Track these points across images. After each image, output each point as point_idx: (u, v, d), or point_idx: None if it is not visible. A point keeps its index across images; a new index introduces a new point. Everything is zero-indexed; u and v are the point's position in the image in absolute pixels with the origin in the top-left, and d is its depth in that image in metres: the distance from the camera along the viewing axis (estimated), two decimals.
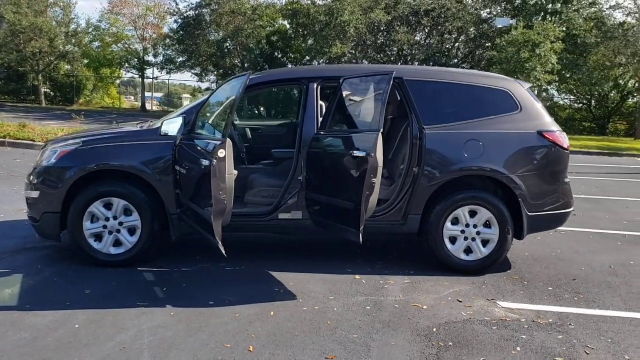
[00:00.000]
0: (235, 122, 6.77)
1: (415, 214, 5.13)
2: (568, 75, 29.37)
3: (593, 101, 33.00)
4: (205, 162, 4.16)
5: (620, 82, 31.15)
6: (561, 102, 33.69)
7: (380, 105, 4.42)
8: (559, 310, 4.34)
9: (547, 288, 4.85)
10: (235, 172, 4.46)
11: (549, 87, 30.43)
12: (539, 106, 5.35)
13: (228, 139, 4.16)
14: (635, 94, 30.68)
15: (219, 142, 4.10)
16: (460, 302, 4.46)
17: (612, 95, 32.44)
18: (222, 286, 4.60)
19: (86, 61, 36.40)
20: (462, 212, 5.10)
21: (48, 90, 35.15)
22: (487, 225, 5.13)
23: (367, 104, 4.92)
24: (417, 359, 3.47)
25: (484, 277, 5.06)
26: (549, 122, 5.27)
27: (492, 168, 5.07)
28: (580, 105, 33.77)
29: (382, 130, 4.28)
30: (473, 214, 5.12)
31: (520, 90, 5.35)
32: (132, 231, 4.99)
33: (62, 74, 35.74)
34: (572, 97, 33.78)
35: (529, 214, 5.12)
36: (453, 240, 5.16)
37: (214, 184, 4.02)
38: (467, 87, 5.30)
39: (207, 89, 32.47)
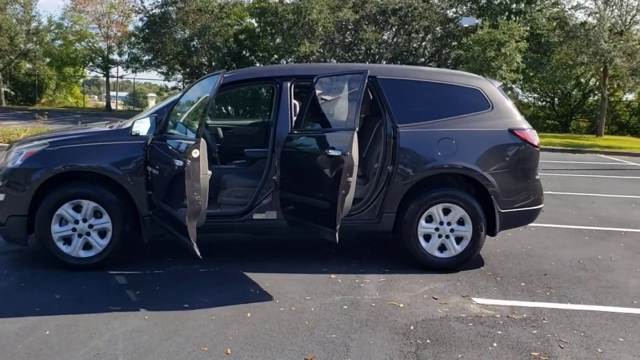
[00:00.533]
0: (207, 122, 6.69)
1: (389, 212, 5.15)
2: (532, 74, 29.96)
3: (556, 99, 33.75)
4: (178, 163, 4.09)
5: (582, 80, 31.94)
6: (525, 100, 34.34)
7: (355, 104, 4.41)
8: (532, 305, 4.41)
9: (519, 283, 4.92)
10: (209, 173, 4.40)
11: (513, 86, 31.00)
12: (509, 104, 5.42)
13: (202, 140, 4.10)
14: (596, 92, 31.48)
15: (192, 142, 4.03)
16: (436, 299, 4.49)
17: (574, 93, 33.24)
18: (196, 288, 4.53)
19: (48, 60, 35.57)
20: (436, 210, 5.14)
21: (8, 90, 34.23)
22: (461, 222, 5.18)
23: (341, 102, 4.91)
24: (396, 357, 3.47)
25: (458, 274, 5.11)
26: (519, 120, 5.35)
27: (464, 166, 5.11)
28: (544, 103, 34.51)
29: (357, 129, 4.27)
30: (447, 211, 5.17)
31: (491, 88, 5.41)
32: (102, 234, 4.88)
33: (23, 72, 34.87)
34: (535, 95, 34.49)
35: (501, 210, 5.18)
36: (427, 237, 5.19)
37: (188, 184, 3.95)
38: (440, 85, 5.33)
39: (174, 88, 32.11)
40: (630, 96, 33.03)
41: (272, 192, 5.05)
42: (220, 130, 6.60)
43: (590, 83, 32.29)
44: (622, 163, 16.41)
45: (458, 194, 5.13)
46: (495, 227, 5.22)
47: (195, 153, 3.99)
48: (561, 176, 12.55)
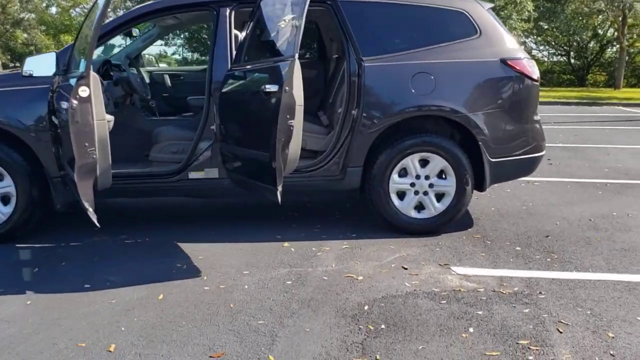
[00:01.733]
0: (150, 68, 5.78)
1: (354, 165, 4.23)
2: (545, 26, 28.42)
3: (572, 52, 32.16)
4: (65, 105, 3.20)
5: (599, 31, 30.28)
6: (539, 55, 32.79)
7: (296, 29, 3.46)
8: (527, 275, 3.50)
9: (514, 248, 4.00)
10: (111, 118, 3.50)
11: (526, 40, 29.49)
12: (501, 29, 4.42)
13: (94, 74, 3.19)
14: (614, 43, 29.85)
15: (79, 78, 3.13)
16: (406, 269, 3.61)
17: (591, 45, 31.61)
18: (112, 263, 3.69)
19: (43, 28, 34.61)
20: (411, 162, 4.21)
21: (6, 62, 33.42)
22: (442, 175, 4.26)
23: (286, 28, 3.94)
24: (335, 351, 2.60)
25: (439, 238, 4.21)
26: (514, 48, 4.35)
27: (445, 106, 4.15)
28: (559, 57, 32.93)
29: (296, 55, 3.32)
30: (424, 163, 4.24)
31: (480, 10, 4.40)
32: (5, 200, 4.04)
33: (21, 42, 33.97)
34: (550, 50, 32.90)
35: (492, 160, 4.23)
36: (401, 195, 4.28)
37: (73, 131, 3.08)
38: (415, 8, 4.33)
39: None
40: None
41: (212, 145, 4.15)
42: (167, 78, 5.68)
43: (608, 34, 30.61)
44: None
45: (437, 141, 4.19)
46: (485, 180, 4.28)
47: (83, 91, 3.09)
48: (574, 128, 11.47)
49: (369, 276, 3.48)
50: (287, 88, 3.26)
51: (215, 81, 4.09)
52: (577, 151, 8.30)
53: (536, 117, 4.42)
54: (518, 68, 4.25)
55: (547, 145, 4.61)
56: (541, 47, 32.31)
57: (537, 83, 4.38)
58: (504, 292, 3.25)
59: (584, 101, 18.56)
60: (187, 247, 4.00)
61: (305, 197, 5.26)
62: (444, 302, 3.12)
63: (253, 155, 3.68)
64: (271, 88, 3.38)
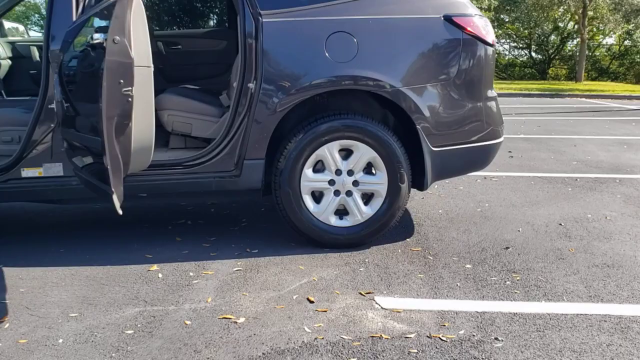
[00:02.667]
0: (13, 39, 4.60)
1: (254, 157, 3.15)
2: (507, 19, 27.88)
3: (533, 45, 31.72)
4: None
5: (560, 24, 29.88)
6: (500, 49, 32.26)
7: None
8: (479, 309, 2.48)
9: (463, 266, 2.98)
10: None
11: None
12: None
13: None
14: (575, 36, 29.50)
15: None
16: (312, 302, 2.55)
17: (552, 38, 31.21)
18: None
19: None
20: (329, 152, 3.15)
21: None
22: (370, 170, 3.22)
23: None
24: None
25: (366, 253, 3.16)
26: (462, 2, 3.31)
27: (371, 78, 3.10)
28: (520, 50, 32.50)
29: None
30: (347, 154, 3.20)
31: None
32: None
33: None
34: (511, 43, 32.42)
35: (434, 149, 3.21)
36: (317, 196, 3.25)
37: None
38: None
39: None
40: (610, 40, 31.14)
41: (53, 130, 3.01)
42: (35, 50, 4.48)
43: (569, 27, 30.25)
44: (606, 105, 14.53)
45: (362, 124, 3.14)
46: (426, 175, 3.24)
47: None
48: (537, 119, 10.61)
49: (255, 317, 2.40)
50: (116, 38, 2.16)
51: (53, 42, 2.95)
52: (541, 142, 7.39)
53: (491, 93, 3.41)
54: (468, 28, 3.23)
55: (507, 136, 3.62)
56: (502, 40, 31.75)
57: (493, 48, 3.36)
58: (445, 338, 2.22)
59: (546, 93, 17.88)
60: (12, 274, 2.85)
61: (210, 199, 4.16)
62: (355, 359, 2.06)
63: (89, 142, 2.56)
64: (98, 38, 2.26)
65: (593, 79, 28.37)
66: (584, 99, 16.66)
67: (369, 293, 2.65)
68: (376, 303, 2.55)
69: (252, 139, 3.11)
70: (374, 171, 3.22)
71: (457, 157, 3.31)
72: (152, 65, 2.47)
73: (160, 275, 2.85)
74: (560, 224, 3.72)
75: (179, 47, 4.57)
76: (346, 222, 3.24)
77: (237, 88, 3.12)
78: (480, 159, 3.45)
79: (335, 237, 3.21)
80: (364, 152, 3.16)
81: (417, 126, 3.16)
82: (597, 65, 30.31)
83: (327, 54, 3.07)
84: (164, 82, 4.42)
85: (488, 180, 4.99)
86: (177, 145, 3.50)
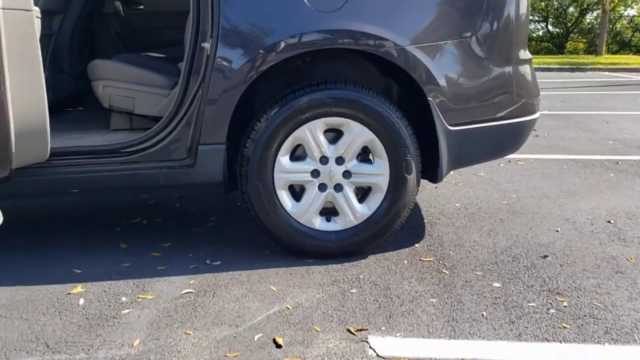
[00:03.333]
0: None
1: (211, 142, 2.39)
2: None
3: (550, 18, 30.47)
4: None
5: None
6: None
7: None
8: (517, 356, 1.72)
9: (489, 284, 2.22)
10: None
11: None
12: None
13: None
14: (595, 8, 28.21)
15: None
16: (279, 346, 1.80)
17: (571, 10, 29.94)
18: None
19: None
20: (311, 133, 2.39)
21: None
22: (366, 157, 2.46)
23: None
24: None
25: (361, 266, 2.41)
26: None
27: (367, 33, 2.31)
28: (536, 23, 31.23)
29: None
30: (335, 136, 2.43)
31: None
32: None
33: None
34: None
35: (451, 128, 2.43)
36: (297, 191, 2.48)
37: None
38: None
39: None
40: (632, 11, 29.79)
41: None
42: None
43: None
44: (633, 79, 13.55)
45: (356, 96, 2.37)
46: (440, 163, 2.46)
47: None
48: (560, 94, 9.73)
49: None
50: None
51: None
52: (569, 119, 6.55)
53: (524, 55, 2.62)
54: None
55: None
56: None
57: None
58: None
59: (566, 67, 16.88)
60: None
61: (178, 192, 3.43)
62: None
63: None
64: None
65: (613, 53, 27.18)
66: (607, 73, 15.66)
67: (360, 330, 1.90)
68: (370, 347, 1.80)
69: (209, 118, 2.35)
70: (371, 158, 2.46)
71: (481, 138, 2.54)
72: (34, 9, 1.72)
73: (81, 302, 2.12)
74: (609, 222, 2.94)
75: (141, 7, 3.80)
76: (335, 225, 2.48)
77: (189, 49, 2.35)
78: (509, 140, 2.67)
79: (321, 245, 2.46)
80: (357, 133, 2.39)
81: (430, 98, 2.38)
82: (618, 38, 29.08)
83: (306, 1, 2.29)
84: (124, 50, 3.67)
85: (513, 165, 4.20)
86: (120, 125, 2.75)
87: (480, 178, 3.85)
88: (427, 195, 3.45)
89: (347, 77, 2.50)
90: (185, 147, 2.39)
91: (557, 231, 2.82)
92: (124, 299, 2.15)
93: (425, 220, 3.00)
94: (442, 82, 2.40)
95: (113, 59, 2.78)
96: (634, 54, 26.80)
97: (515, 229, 2.85)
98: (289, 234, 2.45)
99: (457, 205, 3.28)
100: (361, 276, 2.32)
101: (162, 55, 3.33)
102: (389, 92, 2.62)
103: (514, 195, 3.45)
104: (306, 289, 2.21)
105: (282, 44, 2.30)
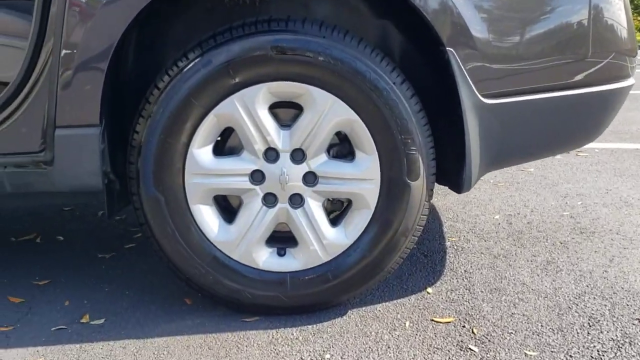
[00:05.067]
0: None
1: (75, 124, 1.40)
2: None
3: None
4: None
5: None
6: None
7: None
8: None
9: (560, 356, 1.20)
10: None
11: None
12: None
13: None
14: None
15: None
16: None
17: None
18: None
19: None
20: (245, 109, 1.40)
21: None
22: (341, 150, 1.46)
23: None
24: None
25: (331, 331, 1.43)
26: None
27: None
28: None
29: None
30: (292, 114, 1.44)
31: None
32: None
33: None
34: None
35: (486, 101, 1.40)
36: (228, 206, 1.51)
37: None
38: None
39: None
40: None
41: None
42: None
43: None
44: None
45: (322, 44, 1.37)
46: (466, 161, 1.43)
47: None
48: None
49: None
50: None
51: None
52: (638, 100, 5.38)
53: None
54: None
55: None
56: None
57: None
58: None
59: None
60: None
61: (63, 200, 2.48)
62: None
63: None
64: None
65: None
66: None
67: None
68: None
69: (67, 80, 1.38)
70: (350, 152, 1.45)
71: (537, 119, 1.50)
72: None
73: None
74: None
75: None
76: (291, 263, 1.50)
77: None
78: (585, 122, 1.63)
79: (268, 295, 1.48)
80: (327, 110, 1.40)
81: (449, 49, 1.36)
82: None
83: None
84: None
85: (572, 157, 3.14)
86: None
87: (529, 175, 2.81)
88: (451, 200, 2.43)
89: (315, 15, 1.51)
90: (38, 131, 1.43)
91: None
92: None
93: (447, 243, 1.99)
94: (471, 20, 1.38)
95: None
96: None
97: (586, 261, 1.82)
98: (213, 277, 1.48)
99: (497, 217, 2.25)
100: (327, 356, 1.33)
101: None
102: (384, 41, 1.61)
103: (579, 203, 2.39)
104: None
105: None
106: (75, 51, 1.35)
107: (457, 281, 1.71)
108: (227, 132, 1.48)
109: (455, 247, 1.97)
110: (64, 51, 1.35)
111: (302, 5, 1.57)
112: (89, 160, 1.42)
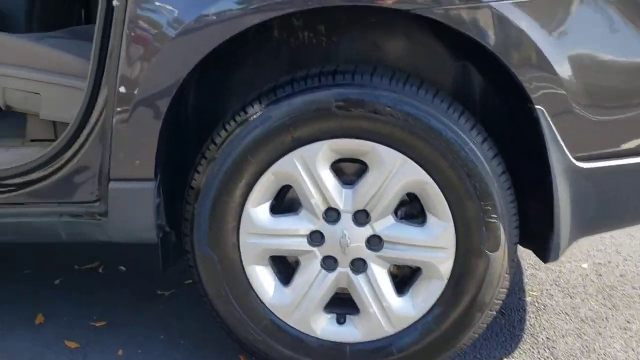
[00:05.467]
0: None
1: (129, 177, 1.34)
2: None
3: None
4: None
5: None
6: None
7: None
8: None
9: None
10: None
11: None
12: None
13: None
14: None
15: None
16: None
17: None
18: None
19: None
20: (305, 167, 1.29)
21: None
22: (411, 212, 1.31)
23: None
24: None
25: None
26: None
27: None
28: None
29: None
30: (355, 173, 1.30)
31: None
32: None
33: None
34: None
35: (580, 165, 1.21)
36: (285, 269, 1.38)
37: None
38: None
39: None
40: None
41: None
42: None
43: None
44: None
45: (390, 100, 1.22)
46: (555, 228, 1.25)
47: None
48: None
49: None
50: None
51: None
52: None
53: None
54: None
55: None
56: None
57: None
58: None
59: None
60: None
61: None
62: None
63: None
64: None
65: None
66: None
67: None
68: None
69: (122, 131, 1.31)
70: (423, 215, 1.31)
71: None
72: None
73: None
74: None
75: None
76: (352, 333, 1.38)
77: (100, 11, 1.32)
78: None
79: None
80: (396, 170, 1.26)
81: (538, 107, 1.18)
82: None
83: None
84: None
85: None
86: (41, 135, 1.76)
87: (633, 242, 2.53)
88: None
89: (392, 61, 1.38)
90: (94, 182, 1.38)
91: None
92: None
93: (528, 299, 1.80)
94: (564, 71, 1.19)
95: (10, 34, 1.77)
96: None
97: None
98: (268, 343, 1.38)
99: (584, 266, 2.03)
100: None
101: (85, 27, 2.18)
102: (468, 88, 1.44)
103: None
104: None
105: (262, 8, 1.21)
106: (130, 94, 1.27)
107: (539, 352, 1.53)
108: (285, 188, 1.37)
109: (537, 305, 1.77)
110: (117, 93, 1.28)
111: (373, 44, 1.44)
112: (143, 214, 1.35)
